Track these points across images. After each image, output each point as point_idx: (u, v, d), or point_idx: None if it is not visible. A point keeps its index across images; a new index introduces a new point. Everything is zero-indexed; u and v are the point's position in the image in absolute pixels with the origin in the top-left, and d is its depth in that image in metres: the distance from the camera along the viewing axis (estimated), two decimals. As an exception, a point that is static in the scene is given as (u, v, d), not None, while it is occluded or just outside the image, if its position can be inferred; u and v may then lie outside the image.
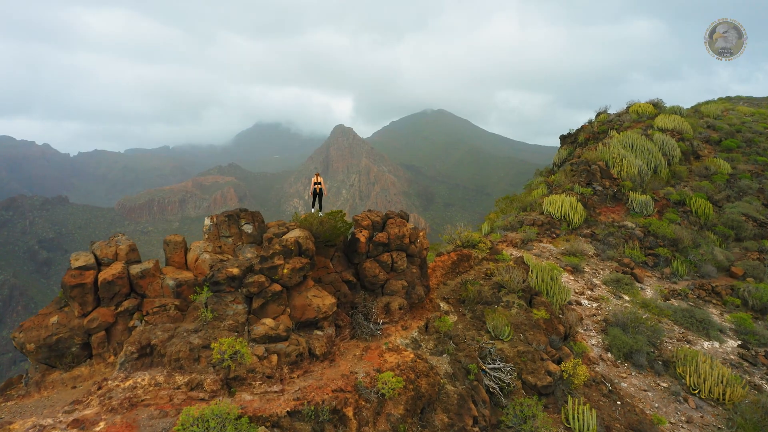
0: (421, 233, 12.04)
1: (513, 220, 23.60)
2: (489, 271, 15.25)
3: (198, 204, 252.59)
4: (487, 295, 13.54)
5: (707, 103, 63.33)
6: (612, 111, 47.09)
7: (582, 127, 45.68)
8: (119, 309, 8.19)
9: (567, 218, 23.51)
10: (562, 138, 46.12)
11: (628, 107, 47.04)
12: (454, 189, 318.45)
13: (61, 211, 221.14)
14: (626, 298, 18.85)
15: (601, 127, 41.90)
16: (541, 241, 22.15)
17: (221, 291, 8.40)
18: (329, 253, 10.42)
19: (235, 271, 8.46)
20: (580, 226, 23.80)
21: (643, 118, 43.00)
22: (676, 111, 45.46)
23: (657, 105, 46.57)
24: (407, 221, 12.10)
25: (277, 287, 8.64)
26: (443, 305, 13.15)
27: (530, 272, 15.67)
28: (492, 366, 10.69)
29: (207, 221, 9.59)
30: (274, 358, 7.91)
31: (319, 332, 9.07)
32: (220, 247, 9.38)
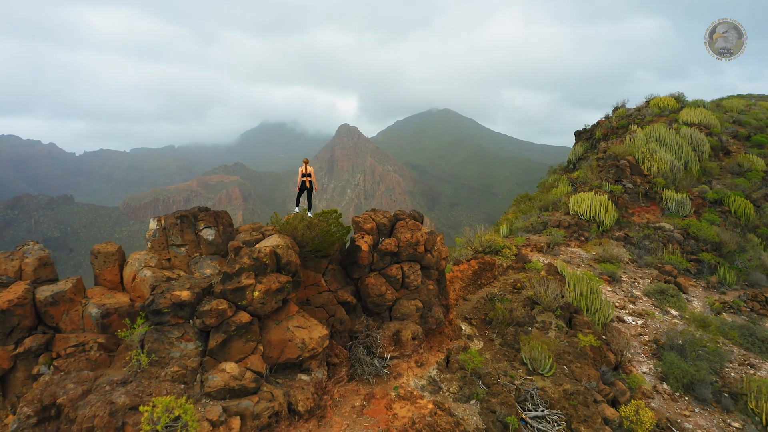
0: (438, 238, 9.48)
1: (535, 221, 20.96)
2: (518, 284, 12.66)
3: (203, 203, 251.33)
4: (518, 315, 10.96)
5: (728, 98, 60.52)
6: (630, 105, 44.54)
7: (598, 122, 43.14)
8: (19, 349, 5.76)
9: (597, 219, 20.83)
10: (578, 134, 43.55)
11: (647, 101, 44.35)
12: (459, 188, 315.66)
13: (66, 210, 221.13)
14: (673, 312, 16.15)
15: (621, 122, 39.24)
16: (568, 245, 19.51)
17: (164, 323, 5.94)
18: (321, 267, 7.91)
19: (185, 294, 5.98)
20: (612, 228, 21.12)
21: (665, 112, 40.17)
22: (699, 105, 42.61)
23: (679, 99, 43.74)
24: (421, 223, 9.54)
25: (244, 317, 6.15)
26: (465, 328, 10.60)
27: (567, 284, 13.07)
28: (534, 414, 8.13)
29: (152, 223, 7.13)
30: (236, 423, 5.42)
31: (304, 377, 6.56)
32: (169, 260, 6.91)
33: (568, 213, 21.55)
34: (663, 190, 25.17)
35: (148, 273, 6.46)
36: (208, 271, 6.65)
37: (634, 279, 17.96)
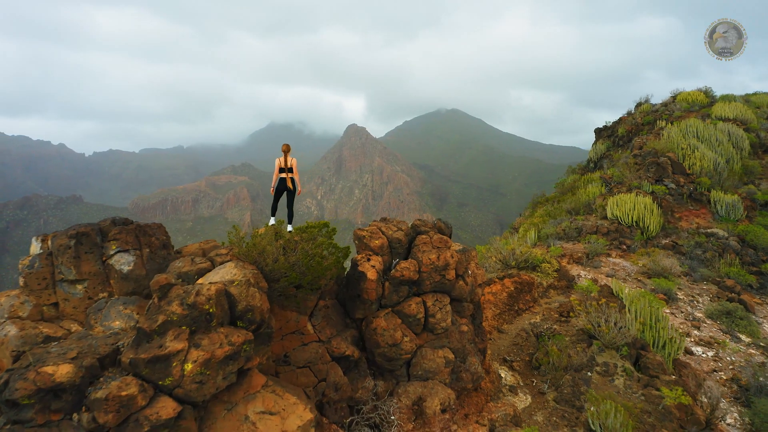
0: (473, 258, 6.83)
1: (568, 226, 18.18)
2: (565, 310, 9.98)
3: (211, 204, 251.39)
4: (574, 358, 8.30)
5: (755, 94, 57.34)
6: (653, 101, 41.89)
7: (621, 119, 40.34)
8: None
9: (640, 225, 18.01)
10: (598, 131, 40.76)
11: (674, 96, 41.35)
12: (467, 189, 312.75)
13: (75, 210, 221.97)
14: (744, 339, 13.30)
15: (646, 118, 36.34)
16: (609, 255, 16.74)
17: (26, 422, 3.43)
18: (306, 306, 5.33)
19: (65, 371, 3.47)
20: (657, 234, 18.28)
21: (694, 107, 37.08)
22: (730, 99, 39.47)
23: (707, 93, 40.65)
24: (449, 236, 6.90)
25: (167, 407, 3.62)
26: (506, 374, 7.97)
27: (626, 310, 10.36)
28: None
29: (33, 245, 4.63)
30: None
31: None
32: (55, 304, 4.38)
33: (605, 217, 18.75)
34: (709, 191, 22.27)
35: (12, 330, 3.94)
36: (117, 324, 4.12)
37: (692, 297, 15.11)
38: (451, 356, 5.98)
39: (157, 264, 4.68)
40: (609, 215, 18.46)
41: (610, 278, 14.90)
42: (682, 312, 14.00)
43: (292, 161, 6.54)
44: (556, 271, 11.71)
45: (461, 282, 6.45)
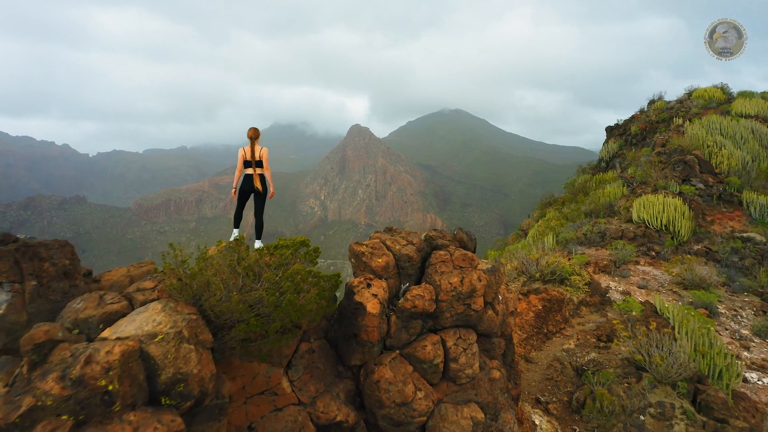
0: (503, 275, 5.27)
1: (590, 230, 16.55)
2: (603, 333, 8.40)
3: (214, 204, 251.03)
4: (625, 400, 6.72)
5: (764, 93, 55.78)
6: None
7: (633, 116, 38.82)
8: None
9: (670, 228, 16.35)
10: (609, 130, 39.26)
11: (689, 93, 39.73)
12: (471, 189, 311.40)
13: (78, 210, 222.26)
14: (798, 360, 11.68)
15: (661, 116, 34.74)
16: (637, 263, 15.13)
17: None
18: (281, 353, 3.79)
19: None
20: (689, 239, 16.62)
21: (712, 103, 35.38)
22: (748, 96, 37.72)
23: (724, 90, 38.93)
24: (473, 251, 5.34)
25: None
26: (540, 420, 6.42)
27: (675, 332, 8.78)
28: None
29: None
30: None
31: None
32: None
33: (629, 220, 17.10)
34: (739, 191, 20.60)
35: None
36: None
37: (735, 311, 13.45)
38: (480, 415, 4.44)
39: (50, 303, 3.18)
40: (635, 218, 16.81)
41: (642, 290, 13.29)
42: (726, 329, 12.34)
43: (261, 152, 5.00)
44: (587, 284, 10.11)
45: (490, 312, 4.90)
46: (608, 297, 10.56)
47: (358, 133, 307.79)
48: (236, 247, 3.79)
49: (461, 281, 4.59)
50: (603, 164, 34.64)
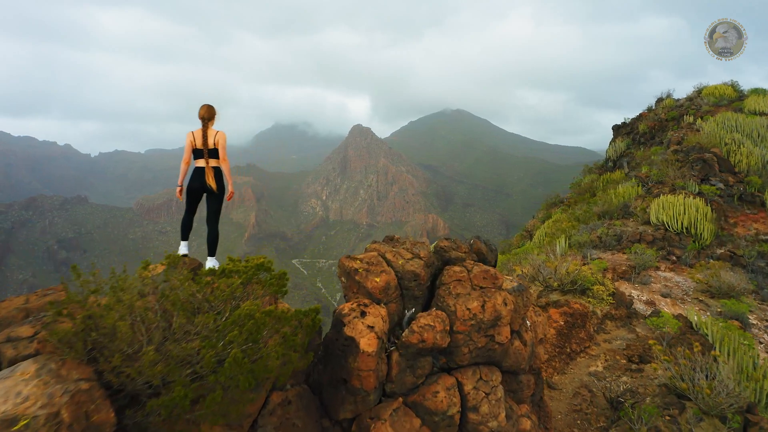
0: (531, 296, 4.22)
1: (605, 233, 15.46)
2: (634, 354, 7.35)
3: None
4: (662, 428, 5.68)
5: (779, 89, 54.65)
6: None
7: (641, 115, 37.83)
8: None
9: (692, 231, 15.27)
10: (616, 128, 38.29)
11: (699, 90, 38.70)
12: (473, 189, 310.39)
13: (80, 210, 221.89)
14: (842, 378, 10.60)
15: (670, 113, 33.68)
16: (658, 268, 14.08)
17: None
18: (243, 410, 2.76)
19: None
20: (711, 243, 15.54)
21: (723, 101, 34.30)
22: (760, 93, 36.63)
23: (735, 87, 37.82)
24: (494, 265, 4.29)
25: None
26: (569, 464, 5.39)
27: (716, 352, 7.73)
28: None
29: None
30: None
31: None
32: None
33: (647, 222, 16.01)
34: (761, 191, 19.51)
35: None
36: None
37: (767, 321, 12.42)
38: (508, 481, 3.40)
39: None
40: (653, 220, 15.72)
41: (666, 299, 12.21)
42: (761, 343, 11.27)
43: (217, 137, 3.89)
44: (610, 295, 9.05)
45: (517, 343, 3.87)
46: (634, 309, 9.49)
47: (360, 133, 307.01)
48: (172, 270, 2.74)
49: (482, 306, 3.57)
50: (610, 164, 33.67)
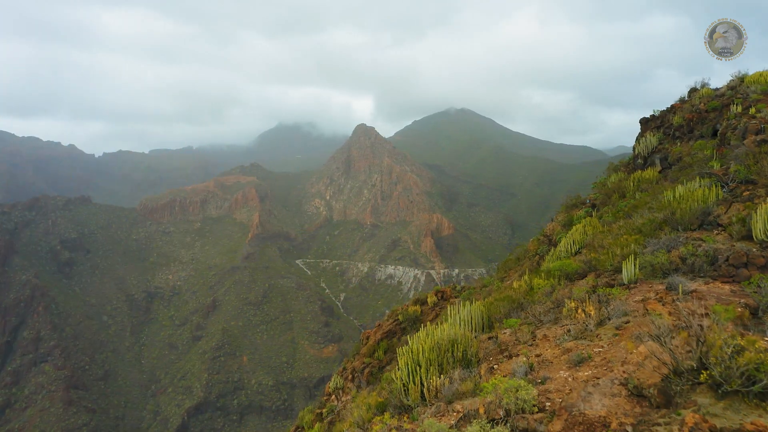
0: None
1: (689, 252, 12.84)
2: None
3: (219, 204, 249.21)
4: None
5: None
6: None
7: (673, 106, 34.93)
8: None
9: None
10: (644, 122, 35.41)
11: (741, 78, 35.86)
12: (477, 189, 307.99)
13: (83, 211, 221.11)
14: None
15: (712, 103, 30.81)
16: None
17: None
18: None
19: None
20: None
21: (773, 88, 31.45)
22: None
23: (785, 72, 35.09)
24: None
25: None
26: None
27: None
28: None
29: None
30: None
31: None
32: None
33: (748, 237, 13.26)
34: None
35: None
36: None
37: None
38: None
39: None
40: (757, 235, 12.86)
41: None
42: None
43: None
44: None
45: None
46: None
47: (364, 132, 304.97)
48: None
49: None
50: (639, 161, 30.87)
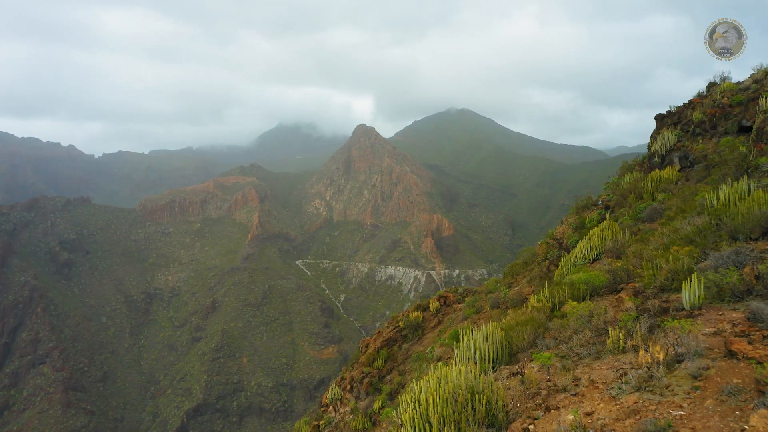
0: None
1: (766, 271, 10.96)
2: None
3: (219, 205, 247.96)
4: None
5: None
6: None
7: (691, 101, 33.25)
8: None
9: None
10: (660, 118, 33.68)
11: (765, 71, 34.32)
12: (478, 189, 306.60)
13: (83, 211, 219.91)
14: None
15: (736, 98, 29.08)
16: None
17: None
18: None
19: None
20: None
21: (800, 81, 30.04)
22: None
23: (808, 67, 33.79)
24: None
25: None
26: None
27: None
28: None
29: None
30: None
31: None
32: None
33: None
34: None
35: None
36: None
37: None
38: None
39: None
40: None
41: None
42: None
43: None
44: None
45: None
46: None
47: (364, 133, 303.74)
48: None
49: None
50: (656, 159, 29.38)
